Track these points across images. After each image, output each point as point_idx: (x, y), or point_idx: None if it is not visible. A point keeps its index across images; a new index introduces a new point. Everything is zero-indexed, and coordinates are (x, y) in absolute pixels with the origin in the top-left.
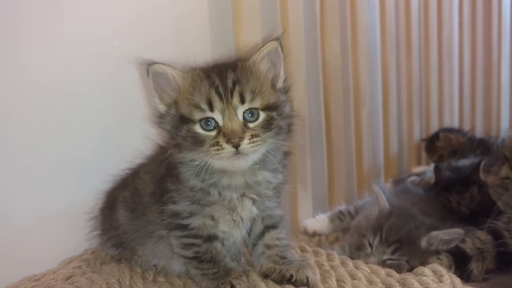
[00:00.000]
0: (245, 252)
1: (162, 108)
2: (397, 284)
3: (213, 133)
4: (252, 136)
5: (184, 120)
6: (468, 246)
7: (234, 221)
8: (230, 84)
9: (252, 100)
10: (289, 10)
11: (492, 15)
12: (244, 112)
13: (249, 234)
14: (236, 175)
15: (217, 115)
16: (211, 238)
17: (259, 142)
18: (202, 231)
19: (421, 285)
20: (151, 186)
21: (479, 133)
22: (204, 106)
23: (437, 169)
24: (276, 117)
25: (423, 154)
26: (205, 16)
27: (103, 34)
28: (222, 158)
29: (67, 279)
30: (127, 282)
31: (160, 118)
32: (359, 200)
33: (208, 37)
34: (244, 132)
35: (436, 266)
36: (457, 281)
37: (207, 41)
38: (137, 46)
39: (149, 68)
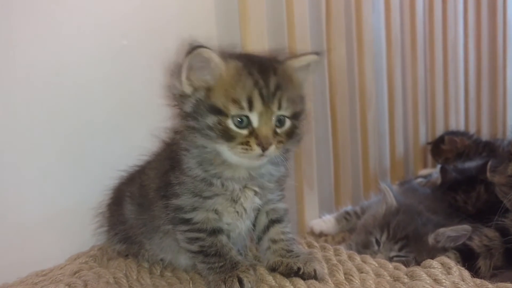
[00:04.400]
0: (251, 247)
1: (187, 89)
2: (405, 276)
3: (245, 132)
4: (278, 142)
5: (215, 111)
6: (476, 244)
7: (238, 212)
8: (272, 88)
9: (287, 108)
10: (295, 14)
11: (497, 18)
12: (276, 117)
13: (254, 228)
14: (241, 168)
15: (254, 116)
16: (215, 231)
17: (281, 148)
18: (206, 225)
19: (429, 277)
20: (156, 181)
21: (484, 135)
22: (245, 104)
23: (443, 170)
24: (297, 125)
25: (429, 157)
26: (212, 17)
27: (111, 33)
28: (245, 157)
29: (75, 273)
30: (134, 277)
31: (181, 98)
32: (365, 201)
33: (214, 37)
34: (274, 137)
35: (444, 258)
36: (466, 273)
37: (214, 42)
38: (144, 45)
39: (195, 49)
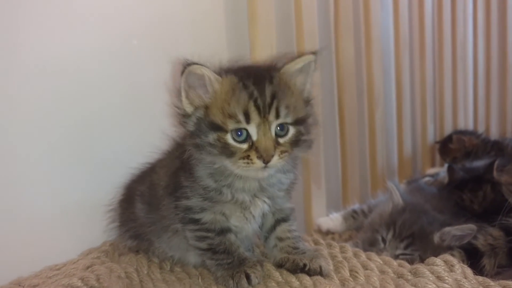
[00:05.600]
0: (258, 244)
1: (188, 108)
2: (409, 273)
3: (245, 146)
4: (282, 152)
5: (215, 127)
6: (480, 243)
7: (246, 218)
8: (268, 98)
9: (286, 115)
10: (303, 12)
11: (507, 16)
12: (276, 127)
13: (260, 228)
14: (251, 179)
15: (252, 129)
16: (223, 231)
17: (286, 157)
18: (214, 225)
19: (433, 274)
20: (165, 179)
21: (493, 135)
22: (241, 117)
23: (450, 169)
24: (303, 131)
25: (437, 156)
26: (221, 17)
27: (122, 33)
28: (248, 171)
29: (87, 268)
30: (145, 272)
31: (184, 118)
32: (372, 199)
33: (224, 37)
34: (275, 148)
35: (448, 256)
36: (468, 271)
37: (223, 42)
38: (155, 45)
39: (187, 68)
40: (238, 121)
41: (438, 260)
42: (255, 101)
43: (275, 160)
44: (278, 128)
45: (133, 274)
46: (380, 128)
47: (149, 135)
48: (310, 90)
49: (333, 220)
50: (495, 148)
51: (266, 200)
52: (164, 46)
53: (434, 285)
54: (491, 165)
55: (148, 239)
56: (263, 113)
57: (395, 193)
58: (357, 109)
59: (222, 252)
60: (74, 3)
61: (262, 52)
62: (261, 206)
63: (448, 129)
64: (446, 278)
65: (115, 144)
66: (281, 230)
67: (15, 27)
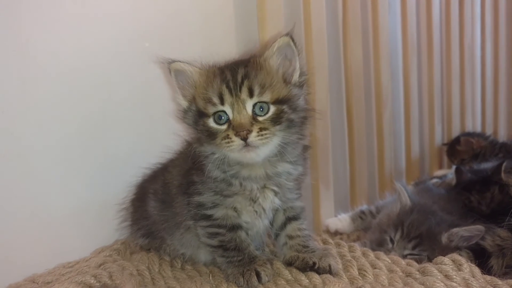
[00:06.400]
0: (269, 243)
1: (184, 104)
2: (417, 272)
3: (224, 126)
4: (261, 129)
5: (201, 114)
6: (488, 243)
7: (256, 211)
8: (239, 78)
9: (261, 93)
10: (312, 14)
11: None
12: (254, 106)
13: (271, 225)
14: (256, 166)
15: (227, 109)
16: (234, 227)
17: (267, 135)
18: (226, 221)
19: (441, 273)
20: (178, 178)
21: (501, 137)
22: (216, 100)
23: (458, 171)
24: (286, 110)
25: (445, 158)
26: (230, 16)
27: (134, 36)
28: (233, 151)
29: (99, 266)
30: (156, 270)
31: (183, 113)
32: (380, 200)
33: (233, 37)
34: (252, 125)
35: (456, 256)
36: (477, 270)
37: (233, 41)
38: (165, 46)
39: (169, 66)
40: (214, 104)
41: (446, 259)
42: (227, 83)
43: (253, 136)
44: (259, 108)
45: (145, 271)
46: (388, 129)
47: (160, 136)
48: (299, 72)
49: (341, 221)
50: (503, 150)
51: (275, 188)
52: (175, 46)
53: (442, 284)
54: (499, 166)
55: (161, 237)
56: (234, 93)
57: (403, 194)
58: (365, 111)
59: (232, 249)
60: (87, 6)
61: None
62: (271, 198)
63: (456, 131)
64: (454, 277)
65: (127, 145)
66: (291, 228)
67: (28, 30)
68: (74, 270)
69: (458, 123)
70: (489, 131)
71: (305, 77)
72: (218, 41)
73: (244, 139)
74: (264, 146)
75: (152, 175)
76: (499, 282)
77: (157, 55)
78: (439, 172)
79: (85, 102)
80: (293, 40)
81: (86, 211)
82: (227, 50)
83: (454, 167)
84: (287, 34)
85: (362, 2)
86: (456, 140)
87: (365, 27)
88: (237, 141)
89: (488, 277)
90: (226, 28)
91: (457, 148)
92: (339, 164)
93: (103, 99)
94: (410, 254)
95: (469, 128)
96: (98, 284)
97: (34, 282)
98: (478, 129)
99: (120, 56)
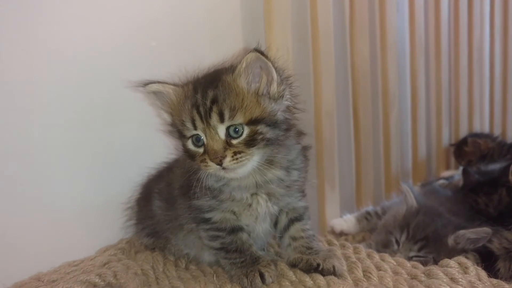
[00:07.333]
0: (273, 243)
1: (168, 119)
2: (422, 275)
3: (201, 150)
4: (235, 153)
5: (180, 135)
6: (495, 246)
7: (253, 216)
8: (208, 103)
9: (231, 117)
10: (318, 15)
11: None
12: (228, 129)
13: (275, 227)
14: (245, 176)
15: (201, 133)
16: (235, 230)
17: (243, 158)
18: (225, 224)
19: (446, 276)
20: (180, 180)
21: (510, 138)
22: (189, 125)
23: (465, 172)
24: (262, 130)
25: (452, 159)
26: (237, 20)
27: (141, 35)
28: (211, 172)
29: (104, 265)
30: (161, 269)
31: (170, 127)
32: (386, 201)
33: (240, 40)
34: (226, 150)
35: (462, 258)
36: (483, 273)
37: (239, 45)
38: (172, 47)
39: (144, 88)
40: (189, 128)
41: (452, 262)
42: (197, 108)
43: (228, 162)
44: (233, 130)
45: (149, 271)
46: (395, 130)
47: (166, 136)
48: (272, 83)
49: (346, 222)
50: (511, 151)
51: (264, 196)
52: (182, 46)
53: (448, 287)
54: (506, 168)
55: (165, 237)
56: (204, 119)
57: (409, 195)
58: (372, 111)
59: (234, 251)
60: (95, 6)
61: (278, 54)
62: (264, 204)
63: (463, 132)
64: (460, 280)
65: (134, 144)
66: (295, 229)
67: (36, 30)
68: (79, 268)
69: (466, 124)
70: (497, 132)
71: (285, 86)
72: (224, 41)
73: (219, 164)
74: (241, 168)
75: (157, 174)
76: (506, 285)
77: (128, 80)
78: (446, 173)
79: (92, 101)
80: (262, 53)
81: (91, 210)
82: (234, 51)
83: (461, 168)
84: (253, 50)
85: (369, 1)
86: (464, 141)
87: (373, 27)
88: (213, 166)
89: (494, 281)
90: (233, 28)
91: (464, 149)
92: (345, 164)
93: (110, 98)
94: (415, 256)
95: (477, 129)
96: (102, 283)
97: (39, 280)
98: (486, 130)
99: (127, 56)
